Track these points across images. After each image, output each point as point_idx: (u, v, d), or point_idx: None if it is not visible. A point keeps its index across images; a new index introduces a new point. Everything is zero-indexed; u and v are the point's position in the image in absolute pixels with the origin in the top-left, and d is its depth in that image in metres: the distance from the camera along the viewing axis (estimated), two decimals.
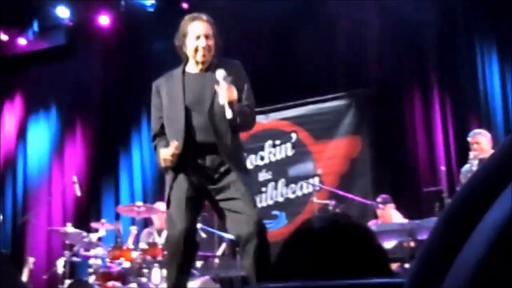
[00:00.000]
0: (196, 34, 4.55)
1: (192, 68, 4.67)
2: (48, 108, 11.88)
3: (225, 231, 8.30)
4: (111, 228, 8.75)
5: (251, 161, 10.27)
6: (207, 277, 7.33)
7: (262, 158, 10.24)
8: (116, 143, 11.27)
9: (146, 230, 8.73)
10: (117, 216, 9.94)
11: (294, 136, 10.11)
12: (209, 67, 4.58)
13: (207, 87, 4.48)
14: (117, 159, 11.21)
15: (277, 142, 10.19)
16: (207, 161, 4.42)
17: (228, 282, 8.18)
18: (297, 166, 10.01)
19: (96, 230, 8.52)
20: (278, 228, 9.70)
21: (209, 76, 4.51)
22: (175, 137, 4.43)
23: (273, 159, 10.20)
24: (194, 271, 7.86)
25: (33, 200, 11.45)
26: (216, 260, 8.09)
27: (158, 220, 8.54)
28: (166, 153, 4.35)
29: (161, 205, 8.44)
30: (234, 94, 4.34)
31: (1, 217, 9.22)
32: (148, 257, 7.58)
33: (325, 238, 1.32)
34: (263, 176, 10.19)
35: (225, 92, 4.31)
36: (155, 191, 10.59)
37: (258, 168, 10.23)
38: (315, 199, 8.39)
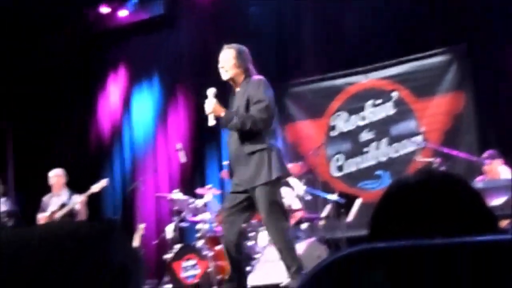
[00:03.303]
0: None
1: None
2: (151, 78, 12.10)
3: (331, 192, 8.35)
4: (216, 193, 8.90)
5: (352, 122, 10.21)
6: (313, 239, 7.38)
7: (363, 118, 10.16)
8: None
9: None
10: (222, 181, 10.09)
11: (395, 94, 9.96)
12: (241, 86, 5.76)
13: (238, 103, 5.69)
14: (218, 125, 11.32)
15: (378, 101, 10.07)
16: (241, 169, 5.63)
17: (334, 243, 8.20)
18: (400, 125, 9.88)
19: (202, 196, 8.69)
20: (382, 188, 9.61)
21: (239, 93, 5.75)
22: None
23: (374, 118, 10.09)
24: (300, 233, 7.93)
25: (141, 168, 11.74)
26: (321, 222, 8.12)
27: None
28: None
29: None
30: (210, 108, 5.62)
31: (106, 181, 9.53)
32: (254, 221, 7.67)
33: (420, 192, 1.29)
34: (364, 136, 10.11)
35: (207, 105, 5.64)
36: None
37: (359, 129, 10.15)
38: (419, 158, 8.28)
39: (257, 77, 5.81)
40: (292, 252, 5.60)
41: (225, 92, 6.08)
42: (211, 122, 5.64)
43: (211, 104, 5.64)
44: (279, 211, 5.55)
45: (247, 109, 5.64)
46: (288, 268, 5.55)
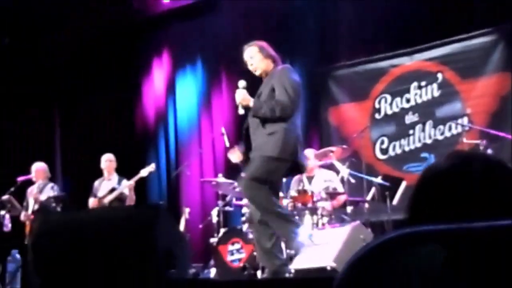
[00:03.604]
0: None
1: None
2: (195, 62, 12.15)
3: (375, 175, 8.31)
4: None
5: (397, 104, 10.14)
6: (357, 222, 7.35)
7: (408, 101, 10.08)
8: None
9: (296, 178, 8.81)
10: None
11: (440, 76, 9.86)
12: (268, 75, 6.00)
13: (262, 90, 5.96)
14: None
15: (423, 83, 9.98)
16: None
17: (379, 226, 8.17)
18: (445, 107, 9.78)
19: None
20: None
21: (264, 82, 6.00)
22: None
23: (419, 100, 10.01)
24: (345, 217, 7.92)
25: (185, 152, 11.81)
26: (366, 205, 8.10)
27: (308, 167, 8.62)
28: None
29: (309, 152, 8.50)
30: (240, 98, 5.88)
31: (154, 166, 9.68)
32: (299, 204, 7.69)
33: (453, 176, 1.27)
34: (409, 118, 10.03)
35: (237, 96, 5.91)
36: (302, 138, 10.64)
37: (404, 111, 10.08)
38: (465, 140, 8.19)
39: (281, 66, 6.02)
40: (273, 214, 5.73)
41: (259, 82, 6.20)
42: (240, 111, 5.92)
43: (240, 95, 5.90)
44: (261, 183, 5.67)
45: (270, 98, 5.84)
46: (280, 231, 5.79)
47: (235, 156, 6.21)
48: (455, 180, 1.26)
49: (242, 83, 5.99)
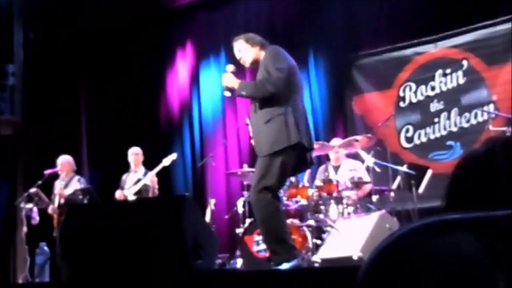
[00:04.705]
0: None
1: None
2: (218, 53, 12.15)
3: (401, 163, 8.28)
4: None
5: (422, 92, 10.09)
6: (383, 211, 7.34)
7: (433, 88, 10.03)
8: None
9: (322, 167, 8.83)
10: None
11: (465, 63, 9.80)
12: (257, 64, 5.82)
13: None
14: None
15: (448, 70, 9.92)
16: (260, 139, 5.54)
17: (405, 215, 8.15)
18: (470, 94, 9.72)
19: None
20: (454, 158, 9.51)
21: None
22: None
23: (444, 88, 9.96)
24: (371, 206, 7.90)
25: (210, 143, 11.83)
26: (392, 194, 8.07)
27: (335, 156, 8.63)
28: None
29: (336, 141, 8.50)
30: (225, 81, 5.75)
31: (175, 154, 9.78)
32: (324, 194, 7.68)
33: (492, 162, 1.25)
34: (434, 106, 9.99)
35: (222, 79, 5.79)
36: (327, 128, 10.64)
37: (429, 99, 10.03)
38: (491, 127, 8.13)
39: (267, 48, 5.87)
40: (275, 236, 5.27)
41: None
42: (226, 93, 5.84)
43: (225, 77, 5.77)
44: (269, 184, 5.29)
45: None
46: (274, 253, 5.28)
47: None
48: (493, 166, 1.24)
49: (230, 67, 5.89)
